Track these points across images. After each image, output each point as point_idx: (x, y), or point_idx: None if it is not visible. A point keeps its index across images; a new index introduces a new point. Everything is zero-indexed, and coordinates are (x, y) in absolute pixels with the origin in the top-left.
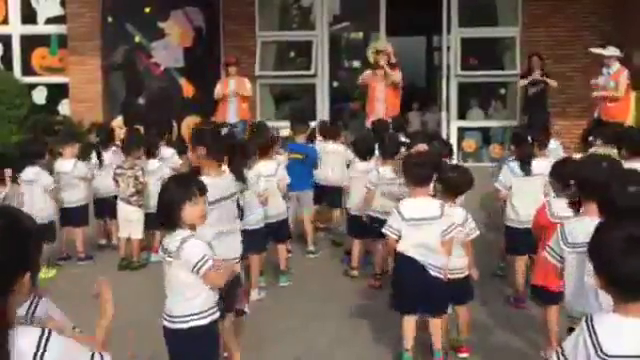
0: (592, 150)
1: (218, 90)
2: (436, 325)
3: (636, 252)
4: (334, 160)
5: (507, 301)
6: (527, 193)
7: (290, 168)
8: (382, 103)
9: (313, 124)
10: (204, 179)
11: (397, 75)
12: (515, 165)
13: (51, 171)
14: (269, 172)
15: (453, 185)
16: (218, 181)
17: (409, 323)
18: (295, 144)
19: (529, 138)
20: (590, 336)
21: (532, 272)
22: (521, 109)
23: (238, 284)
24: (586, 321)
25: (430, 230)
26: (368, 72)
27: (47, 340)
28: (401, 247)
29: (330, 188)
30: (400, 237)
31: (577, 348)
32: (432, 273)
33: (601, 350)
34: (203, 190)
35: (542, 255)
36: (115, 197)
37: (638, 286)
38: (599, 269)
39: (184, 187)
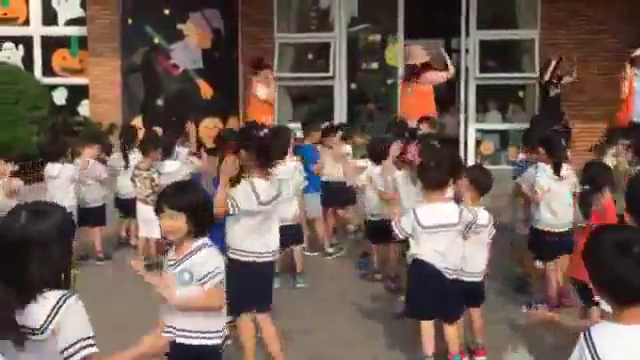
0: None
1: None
2: (452, 329)
3: (627, 256)
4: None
5: (529, 306)
6: (560, 196)
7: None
8: (405, 107)
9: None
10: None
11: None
12: (548, 168)
13: None
14: (288, 175)
15: (481, 185)
16: (267, 184)
17: (428, 328)
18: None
19: (561, 141)
20: (588, 348)
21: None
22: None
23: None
24: (584, 335)
25: (448, 237)
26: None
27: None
28: (416, 251)
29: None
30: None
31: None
32: (448, 277)
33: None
34: None
35: None
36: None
37: (630, 291)
38: (592, 275)
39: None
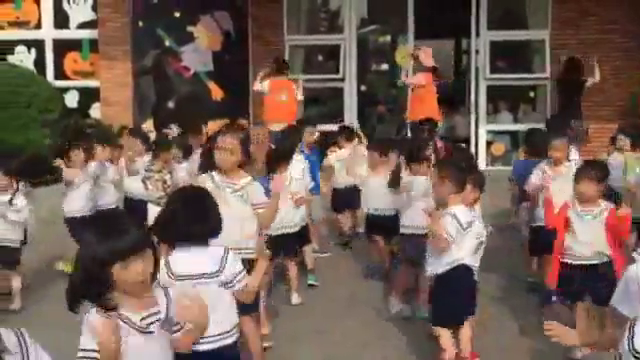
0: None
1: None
2: (466, 330)
3: None
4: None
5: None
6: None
7: None
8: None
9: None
10: None
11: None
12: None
13: None
14: (298, 175)
15: (482, 184)
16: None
17: (448, 332)
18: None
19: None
20: (628, 335)
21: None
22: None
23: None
24: (630, 322)
25: (471, 236)
26: (421, 75)
27: None
28: (459, 255)
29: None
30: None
31: (623, 347)
32: (476, 278)
33: (633, 347)
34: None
35: None
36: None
37: None
38: None
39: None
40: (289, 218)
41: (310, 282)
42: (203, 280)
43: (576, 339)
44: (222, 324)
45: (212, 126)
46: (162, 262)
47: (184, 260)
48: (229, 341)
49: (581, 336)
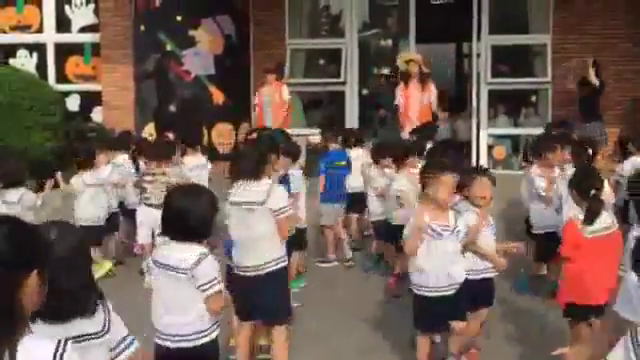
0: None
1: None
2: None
3: None
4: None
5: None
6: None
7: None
8: (415, 115)
9: None
10: None
11: (433, 98)
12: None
13: None
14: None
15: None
16: None
17: (426, 341)
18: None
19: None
20: (634, 348)
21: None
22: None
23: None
24: (631, 335)
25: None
26: (400, 86)
27: (63, 353)
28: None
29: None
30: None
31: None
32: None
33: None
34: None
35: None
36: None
37: None
38: None
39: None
40: None
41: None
42: (174, 273)
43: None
44: (193, 325)
45: (216, 136)
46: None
47: (166, 251)
48: (204, 341)
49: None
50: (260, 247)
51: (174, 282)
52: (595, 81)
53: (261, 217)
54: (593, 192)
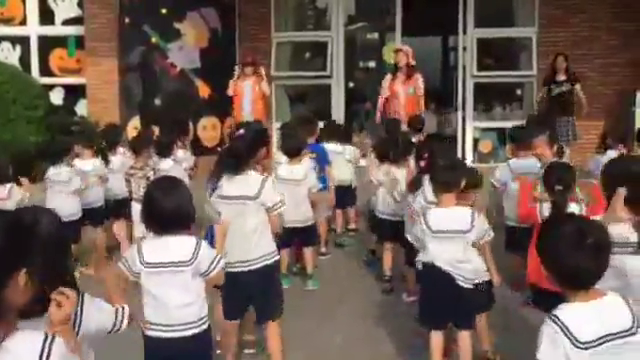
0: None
1: (231, 89)
2: (465, 338)
3: (581, 246)
4: (339, 160)
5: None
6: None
7: None
8: (403, 107)
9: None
10: None
11: (421, 88)
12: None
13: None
14: (302, 176)
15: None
16: None
17: (437, 338)
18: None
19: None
20: (562, 331)
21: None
22: (545, 111)
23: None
24: (552, 320)
25: (460, 243)
26: (387, 77)
27: (50, 346)
28: (427, 258)
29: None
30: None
31: (556, 349)
32: (461, 284)
33: (577, 340)
34: None
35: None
36: (125, 199)
37: (584, 277)
38: (547, 264)
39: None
40: None
41: (310, 287)
42: (173, 268)
43: None
44: (191, 314)
45: (202, 129)
46: (135, 248)
47: (153, 248)
48: (195, 331)
49: None
50: (253, 241)
51: (172, 277)
52: (584, 104)
53: (254, 212)
54: (558, 187)
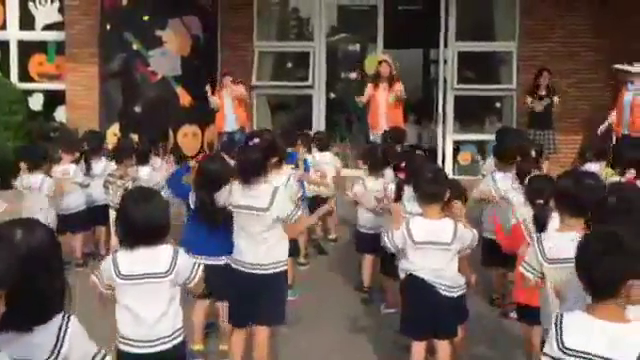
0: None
1: (213, 101)
2: (445, 348)
3: (609, 254)
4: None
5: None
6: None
7: None
8: (384, 116)
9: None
10: None
11: (401, 90)
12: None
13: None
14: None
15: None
16: None
17: (419, 348)
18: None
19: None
20: (556, 332)
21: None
22: (527, 124)
23: None
24: (556, 318)
25: (443, 254)
26: (370, 86)
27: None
28: (409, 267)
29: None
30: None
31: (553, 347)
32: (443, 293)
33: (562, 344)
34: None
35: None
36: (104, 205)
37: (607, 287)
38: (580, 271)
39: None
40: None
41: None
42: (150, 279)
43: None
44: (166, 329)
45: (182, 137)
46: (110, 260)
47: (130, 260)
48: (168, 346)
49: None
50: (267, 247)
51: (150, 289)
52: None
53: (267, 223)
54: (539, 201)
